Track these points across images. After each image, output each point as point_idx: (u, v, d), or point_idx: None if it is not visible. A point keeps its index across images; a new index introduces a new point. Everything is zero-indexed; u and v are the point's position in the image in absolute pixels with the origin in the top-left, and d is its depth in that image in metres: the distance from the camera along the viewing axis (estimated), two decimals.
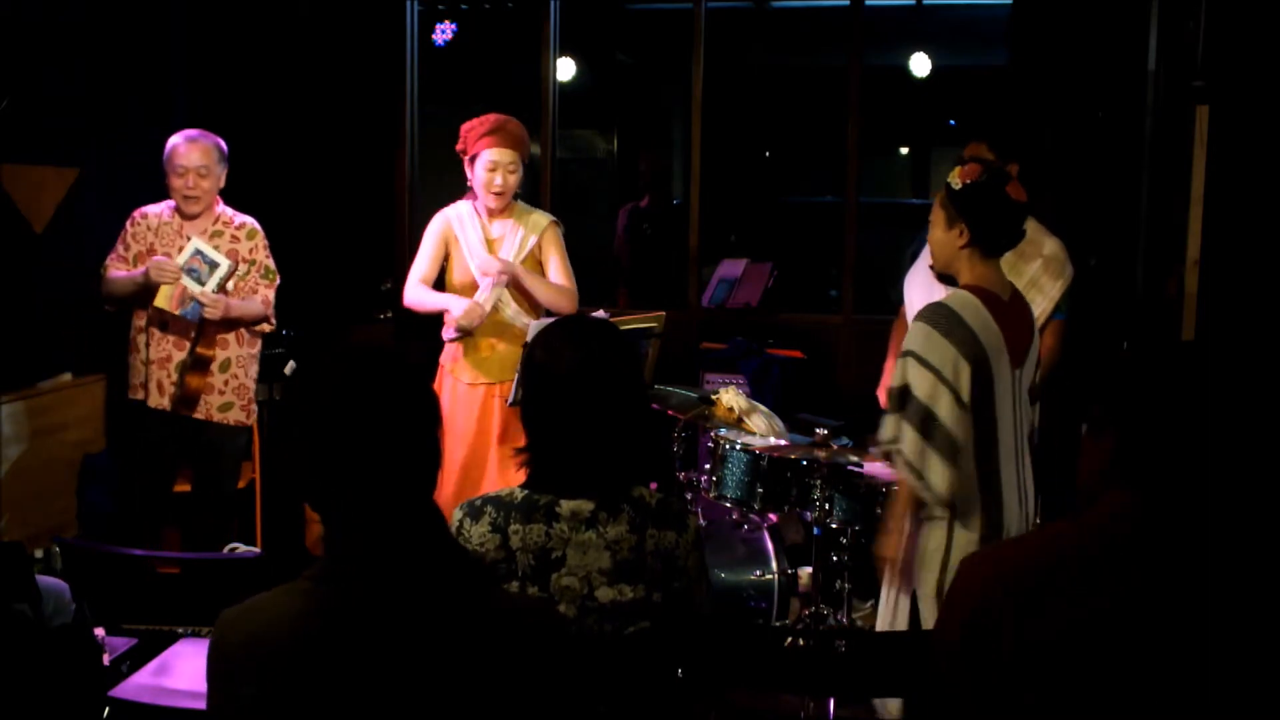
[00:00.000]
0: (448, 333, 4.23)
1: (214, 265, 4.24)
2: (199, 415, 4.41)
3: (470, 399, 4.20)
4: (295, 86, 5.95)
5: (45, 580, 2.98)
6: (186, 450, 4.49)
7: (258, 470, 5.05)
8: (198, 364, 4.31)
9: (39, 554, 4.51)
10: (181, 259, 4.24)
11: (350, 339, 5.89)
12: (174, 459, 4.50)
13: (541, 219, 4.26)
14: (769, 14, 8.91)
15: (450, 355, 4.27)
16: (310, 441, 1.56)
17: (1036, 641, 1.54)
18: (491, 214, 4.23)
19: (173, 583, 2.81)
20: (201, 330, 4.30)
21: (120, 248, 4.40)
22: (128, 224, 4.43)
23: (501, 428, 4.18)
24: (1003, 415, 2.99)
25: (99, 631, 2.63)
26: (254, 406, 4.57)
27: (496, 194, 4.15)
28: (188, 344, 4.36)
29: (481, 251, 4.19)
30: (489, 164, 4.10)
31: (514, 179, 4.16)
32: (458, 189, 4.37)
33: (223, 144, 4.43)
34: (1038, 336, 3.17)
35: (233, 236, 4.46)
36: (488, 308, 4.12)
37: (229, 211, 4.50)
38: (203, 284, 4.21)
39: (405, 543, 1.54)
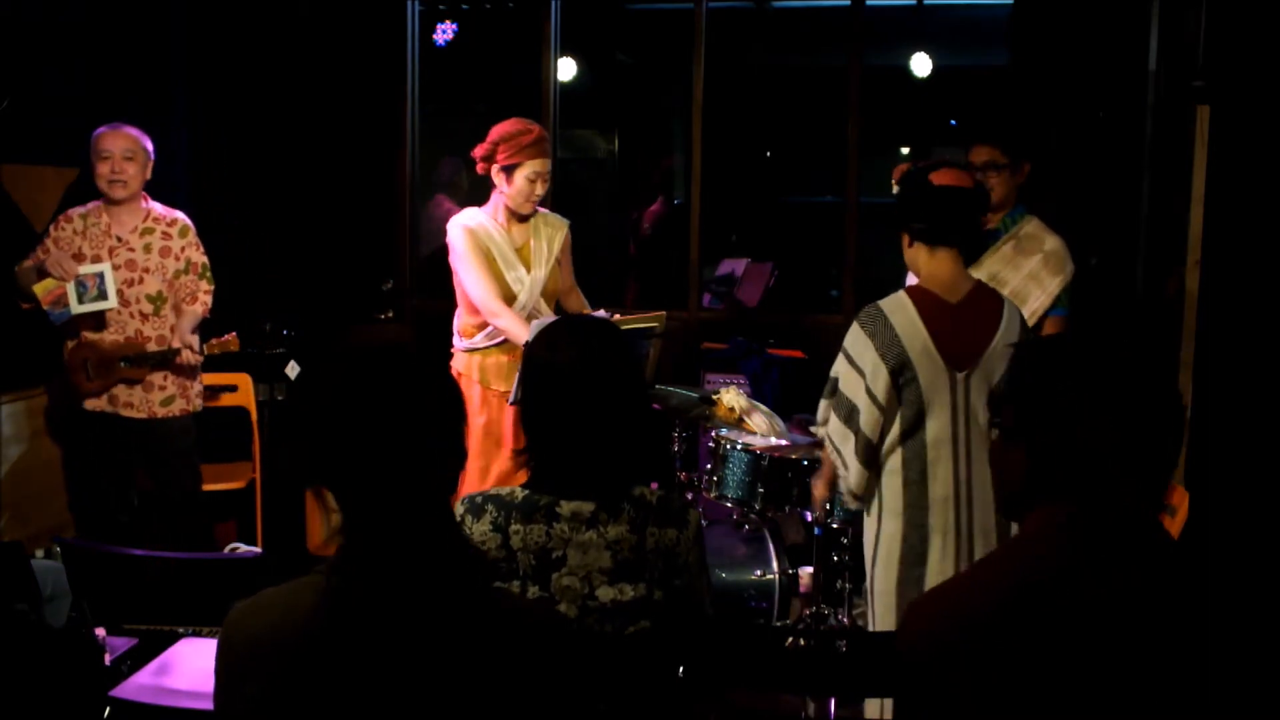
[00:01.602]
0: (461, 342, 4.20)
1: (102, 296, 4.22)
2: (140, 414, 4.36)
3: (500, 405, 4.14)
4: (296, 86, 5.94)
5: (38, 564, 2.99)
6: (134, 452, 4.43)
7: (258, 470, 5.05)
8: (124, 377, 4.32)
9: (39, 554, 4.51)
10: (85, 268, 4.20)
11: (362, 335, 5.87)
12: (123, 460, 4.43)
13: (559, 221, 4.28)
14: (769, 14, 8.90)
15: (475, 365, 4.17)
16: (325, 436, 1.54)
17: (997, 678, 1.46)
18: (510, 222, 4.21)
19: (172, 583, 2.81)
20: (137, 361, 4.30)
21: (39, 251, 4.33)
22: (52, 227, 4.38)
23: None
24: (935, 417, 2.94)
25: (99, 631, 2.62)
26: (194, 395, 4.49)
27: (535, 203, 4.17)
28: (123, 343, 4.33)
29: (515, 261, 4.16)
30: (532, 175, 4.09)
31: (548, 186, 4.19)
32: (456, 189, 4.35)
33: (149, 141, 4.39)
34: (1007, 336, 3.01)
35: (164, 234, 4.40)
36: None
37: (159, 207, 4.45)
38: (80, 303, 4.19)
39: (417, 540, 1.53)
